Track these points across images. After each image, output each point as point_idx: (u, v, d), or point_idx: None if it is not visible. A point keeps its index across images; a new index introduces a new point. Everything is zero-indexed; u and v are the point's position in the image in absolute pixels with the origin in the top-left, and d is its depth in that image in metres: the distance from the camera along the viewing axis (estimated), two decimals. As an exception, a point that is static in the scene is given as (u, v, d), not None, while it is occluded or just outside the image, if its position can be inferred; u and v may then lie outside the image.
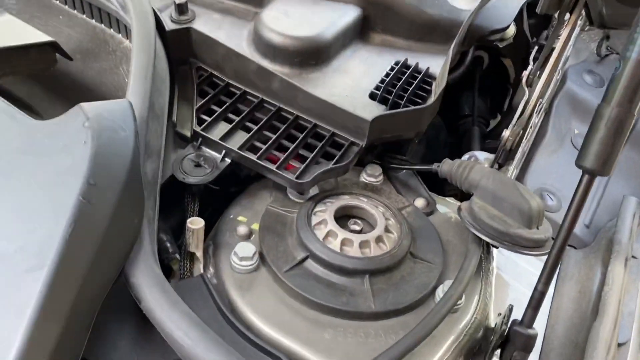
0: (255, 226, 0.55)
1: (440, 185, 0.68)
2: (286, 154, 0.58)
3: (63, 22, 0.70)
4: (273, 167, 0.56)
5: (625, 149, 0.76)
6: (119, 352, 0.45)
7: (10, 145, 0.42)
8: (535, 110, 0.68)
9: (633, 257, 0.65)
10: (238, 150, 0.57)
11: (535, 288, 0.48)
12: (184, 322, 0.40)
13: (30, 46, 0.52)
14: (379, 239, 0.53)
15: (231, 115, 0.61)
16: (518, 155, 0.67)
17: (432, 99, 0.62)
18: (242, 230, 0.55)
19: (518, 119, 0.65)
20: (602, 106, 0.46)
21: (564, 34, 0.62)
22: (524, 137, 0.67)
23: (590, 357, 0.52)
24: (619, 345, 0.56)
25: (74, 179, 0.40)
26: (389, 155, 0.67)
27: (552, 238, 0.60)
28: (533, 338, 0.49)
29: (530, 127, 0.68)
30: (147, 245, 0.44)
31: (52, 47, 0.54)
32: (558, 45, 0.62)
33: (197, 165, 0.56)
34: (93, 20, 0.68)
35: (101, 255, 0.40)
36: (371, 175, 0.64)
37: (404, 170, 0.66)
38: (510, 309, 0.53)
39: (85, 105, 0.44)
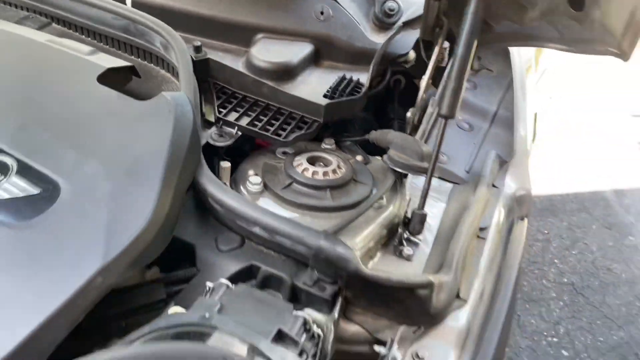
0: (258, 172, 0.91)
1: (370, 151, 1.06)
2: (274, 127, 0.95)
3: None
4: (268, 133, 0.93)
5: (492, 127, 1.16)
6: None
7: (127, 115, 0.78)
8: (430, 104, 1.07)
9: (494, 185, 1.03)
10: (246, 126, 0.93)
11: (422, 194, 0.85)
12: (237, 200, 0.74)
13: (121, 68, 0.87)
14: (334, 171, 0.89)
15: (238, 108, 0.98)
16: (420, 130, 1.05)
17: (361, 94, 1.01)
18: (250, 172, 0.90)
19: (416, 107, 1.04)
20: (446, 80, 0.84)
21: (435, 52, 1.02)
22: (422, 120, 1.06)
23: (459, 232, 0.87)
24: (481, 229, 0.93)
25: (166, 130, 0.75)
26: (338, 134, 1.05)
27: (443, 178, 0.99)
28: (424, 215, 0.85)
29: (428, 114, 1.08)
30: (204, 167, 0.79)
31: (131, 69, 0.90)
32: (432, 60, 1.02)
33: (221, 135, 0.92)
34: (139, 59, 1.05)
35: (183, 170, 0.74)
36: (328, 144, 1.01)
37: (348, 142, 1.03)
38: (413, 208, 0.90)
39: (165, 93, 0.80)
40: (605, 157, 3.09)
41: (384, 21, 1.13)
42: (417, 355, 0.75)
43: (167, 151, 0.71)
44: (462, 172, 1.06)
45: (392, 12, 1.11)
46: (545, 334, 2.16)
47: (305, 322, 0.64)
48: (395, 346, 0.71)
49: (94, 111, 0.77)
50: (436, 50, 1.01)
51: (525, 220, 1.08)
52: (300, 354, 0.60)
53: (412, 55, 1.16)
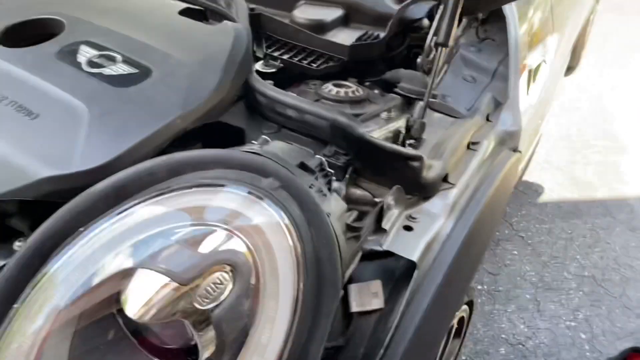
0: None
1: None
2: (308, 61, 1.21)
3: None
4: (304, 63, 1.19)
5: (493, 80, 1.38)
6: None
7: (201, 32, 1.05)
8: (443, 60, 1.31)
9: (488, 120, 1.25)
10: (287, 59, 1.20)
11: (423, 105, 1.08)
12: (276, 91, 0.99)
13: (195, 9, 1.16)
14: (353, 92, 1.14)
15: (282, 49, 1.25)
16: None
17: (380, 40, 1.26)
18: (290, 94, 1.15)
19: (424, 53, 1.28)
20: (442, 15, 1.08)
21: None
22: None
23: (452, 135, 1.09)
24: (473, 143, 1.14)
25: (228, 42, 1.01)
26: (361, 77, 1.30)
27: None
28: (423, 123, 1.08)
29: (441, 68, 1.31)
30: (254, 73, 1.04)
31: (202, 12, 1.18)
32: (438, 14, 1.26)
33: (267, 65, 1.19)
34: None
35: (239, 69, 0.99)
36: (351, 82, 1.26)
37: (368, 83, 1.28)
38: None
39: (227, 22, 1.07)
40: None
41: (403, -6, 1.39)
42: (411, 216, 0.97)
43: (228, 53, 0.98)
44: (464, 111, 1.28)
45: (409, -14, 1.37)
46: (564, 318, 2.28)
47: (321, 163, 0.88)
48: (389, 196, 0.92)
49: (176, 28, 1.05)
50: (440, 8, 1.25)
51: (518, 153, 1.28)
52: (316, 179, 0.84)
53: (425, 22, 1.40)
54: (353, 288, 0.92)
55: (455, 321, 1.36)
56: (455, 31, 1.07)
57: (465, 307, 1.41)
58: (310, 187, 0.80)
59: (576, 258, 2.57)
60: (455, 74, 1.36)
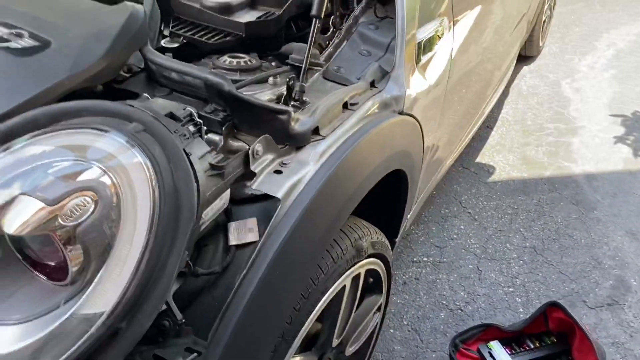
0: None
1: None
2: (208, 37, 1.36)
3: None
4: (202, 38, 1.34)
5: (386, 54, 1.52)
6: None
7: (103, 11, 1.21)
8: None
9: (374, 86, 1.39)
10: (189, 35, 1.35)
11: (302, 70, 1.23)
12: (163, 58, 1.14)
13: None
14: (245, 62, 1.29)
15: (186, 28, 1.40)
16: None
17: (273, 17, 1.41)
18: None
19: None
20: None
21: None
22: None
23: (329, 96, 1.24)
24: (352, 104, 1.29)
25: (123, 17, 1.17)
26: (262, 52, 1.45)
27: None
28: (302, 86, 1.22)
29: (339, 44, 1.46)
30: (149, 45, 1.19)
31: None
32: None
33: (171, 42, 1.34)
34: None
35: (130, 41, 1.15)
36: (252, 56, 1.41)
37: (270, 57, 1.43)
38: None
39: (127, 2, 1.23)
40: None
41: (305, -23, 1.54)
42: (282, 163, 1.12)
43: (119, 27, 1.13)
44: (354, 80, 1.43)
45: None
46: (502, 285, 2.42)
47: (190, 114, 1.03)
48: (257, 144, 1.07)
49: (80, 8, 1.21)
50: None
51: (405, 116, 1.43)
52: (183, 126, 0.99)
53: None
54: (232, 225, 1.07)
55: (363, 272, 1.49)
56: (326, 4, 1.23)
57: (375, 260, 1.55)
58: (175, 132, 0.95)
59: (520, 231, 2.71)
60: (352, 49, 1.51)
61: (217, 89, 1.06)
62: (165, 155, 0.90)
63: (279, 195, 1.05)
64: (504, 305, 2.32)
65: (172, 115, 0.99)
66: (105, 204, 0.86)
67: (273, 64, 1.37)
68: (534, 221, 2.76)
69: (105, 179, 0.86)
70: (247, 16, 1.48)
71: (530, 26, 3.57)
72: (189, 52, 1.36)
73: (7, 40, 1.10)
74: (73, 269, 0.85)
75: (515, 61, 3.32)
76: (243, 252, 1.06)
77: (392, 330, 2.20)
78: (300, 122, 1.12)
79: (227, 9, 1.45)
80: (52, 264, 0.90)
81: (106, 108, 0.92)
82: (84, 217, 0.84)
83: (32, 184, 0.84)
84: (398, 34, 1.43)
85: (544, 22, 4.02)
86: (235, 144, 1.12)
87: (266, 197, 1.08)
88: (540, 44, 4.19)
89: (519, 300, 2.35)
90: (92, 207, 0.85)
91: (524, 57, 4.12)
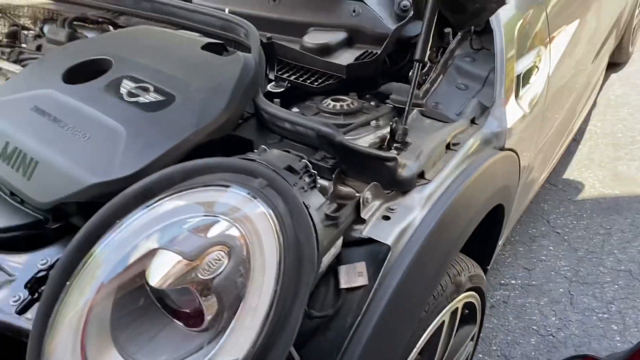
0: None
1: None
2: (310, 80, 1.42)
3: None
4: (306, 82, 1.40)
5: (484, 88, 1.53)
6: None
7: (216, 62, 1.29)
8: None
9: (475, 123, 1.40)
10: (293, 79, 1.41)
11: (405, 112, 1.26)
12: (275, 108, 1.21)
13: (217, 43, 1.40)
14: (348, 105, 1.33)
15: (290, 71, 1.46)
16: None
17: (373, 59, 1.45)
18: (294, 109, 1.36)
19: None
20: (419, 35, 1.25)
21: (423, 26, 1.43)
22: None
23: (432, 137, 1.26)
24: (454, 144, 1.31)
25: (236, 70, 1.24)
26: (362, 91, 1.49)
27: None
28: (406, 129, 1.25)
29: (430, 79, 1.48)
30: (261, 95, 1.26)
31: (223, 45, 1.43)
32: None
33: (276, 86, 1.40)
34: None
35: (244, 93, 1.21)
36: (351, 96, 1.45)
37: (368, 95, 1.46)
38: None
39: (239, 52, 1.30)
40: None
41: (400, 15, 1.57)
42: (389, 208, 1.15)
43: (235, 80, 1.21)
44: (453, 116, 1.44)
45: (405, 8, 1.55)
46: (596, 311, 2.34)
47: (306, 165, 1.08)
48: (367, 191, 1.11)
49: (197, 61, 1.30)
50: (422, 26, 1.42)
51: (507, 152, 1.43)
52: (300, 178, 1.04)
53: (421, 38, 1.58)
54: (342, 268, 1.12)
55: (460, 305, 1.51)
56: (429, 46, 1.25)
57: (472, 293, 1.56)
58: (293, 185, 1.01)
59: (613, 253, 2.60)
60: (449, 83, 1.52)
61: (328, 139, 1.11)
62: (288, 209, 0.96)
63: (389, 242, 1.08)
64: (598, 333, 2.24)
65: (290, 168, 1.04)
66: (237, 257, 0.92)
67: (372, 103, 1.41)
68: (629, 242, 2.64)
69: (235, 232, 0.93)
70: (346, 55, 1.52)
71: (620, 33, 3.42)
72: (292, 95, 1.42)
73: (136, 95, 1.20)
74: (208, 317, 0.92)
75: (605, 70, 3.19)
76: (353, 296, 1.10)
77: (480, 355, 2.19)
78: (406, 168, 1.15)
79: (327, 50, 1.51)
80: (188, 311, 0.98)
81: (233, 165, 0.99)
82: (219, 271, 0.91)
83: (171, 239, 0.92)
84: (497, 68, 1.43)
85: (635, 27, 3.84)
86: (344, 189, 1.17)
87: (373, 240, 1.11)
88: (630, 50, 4.00)
89: (615, 328, 2.26)
90: (226, 260, 0.92)
91: (612, 64, 3.94)
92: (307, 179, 1.07)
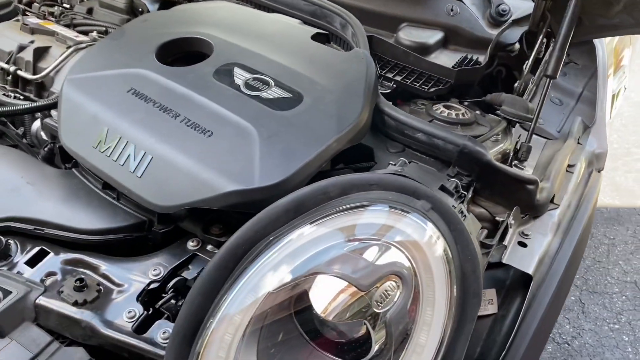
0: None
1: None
2: (419, 83, 1.32)
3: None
4: (416, 85, 1.30)
5: (578, 104, 1.49)
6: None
7: (337, 59, 1.17)
8: (530, 82, 1.42)
9: (578, 142, 1.36)
10: (400, 80, 1.31)
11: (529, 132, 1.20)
12: (407, 116, 1.11)
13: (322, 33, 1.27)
14: (463, 114, 1.25)
15: (393, 70, 1.36)
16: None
17: (482, 64, 1.37)
18: (402, 113, 1.27)
19: (522, 80, 1.39)
20: (552, 51, 1.19)
21: (538, 41, 1.37)
22: (525, 94, 1.41)
23: (556, 160, 1.21)
24: (570, 166, 1.26)
25: (363, 68, 1.13)
26: (460, 97, 1.41)
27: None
28: (530, 147, 1.19)
29: (528, 90, 1.42)
30: (381, 97, 1.15)
31: (327, 36, 1.30)
32: (536, 46, 1.37)
33: (381, 86, 1.30)
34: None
35: (373, 93, 1.11)
36: (453, 102, 1.37)
37: (467, 103, 1.39)
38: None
39: (357, 49, 1.19)
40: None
41: (497, 19, 1.49)
42: (523, 233, 1.09)
43: (365, 80, 1.10)
44: (554, 132, 1.39)
45: (504, 13, 1.48)
46: (607, 321, 2.40)
47: (457, 185, 1.00)
48: (511, 216, 1.05)
49: (314, 54, 1.18)
50: (539, 39, 1.36)
51: (601, 173, 1.40)
52: (455, 201, 0.96)
53: (517, 46, 1.51)
54: (471, 295, 1.05)
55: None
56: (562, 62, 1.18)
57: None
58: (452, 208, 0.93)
59: (619, 263, 2.68)
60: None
61: (474, 157, 1.03)
62: (453, 237, 0.88)
63: (530, 270, 1.02)
64: (611, 344, 2.31)
65: (443, 188, 0.96)
66: (408, 289, 0.84)
67: (478, 112, 1.34)
68: (632, 254, 2.73)
69: (405, 261, 0.84)
70: (442, 57, 1.44)
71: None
72: (393, 96, 1.33)
73: (255, 89, 1.07)
74: (375, 348, 0.84)
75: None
76: (482, 323, 1.05)
77: (502, 361, 2.20)
78: (544, 191, 1.10)
79: (425, 50, 1.42)
80: (339, 341, 0.88)
81: (394, 183, 0.89)
82: (392, 304, 0.82)
83: (339, 264, 0.82)
84: (600, 86, 1.39)
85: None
86: (476, 209, 1.10)
87: (499, 265, 1.06)
88: (623, 62, 4.11)
89: (627, 339, 2.33)
90: (398, 292, 0.84)
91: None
92: (458, 201, 0.99)
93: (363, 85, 1.08)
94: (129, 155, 0.99)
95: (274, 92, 1.07)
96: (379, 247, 0.84)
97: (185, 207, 0.94)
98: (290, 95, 1.06)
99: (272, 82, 1.09)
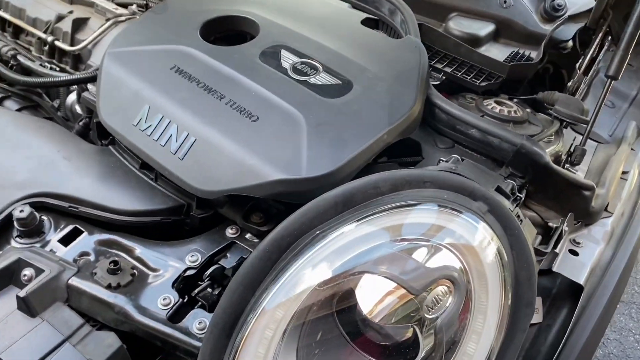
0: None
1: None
2: (470, 76, 1.26)
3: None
4: (467, 78, 1.24)
5: (631, 107, 1.42)
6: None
7: (389, 45, 1.11)
8: (583, 82, 1.36)
9: (632, 148, 1.29)
10: (451, 72, 1.25)
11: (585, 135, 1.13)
12: (461, 110, 1.05)
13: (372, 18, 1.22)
14: (515, 111, 1.18)
15: (442, 61, 1.30)
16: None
17: (536, 61, 1.31)
18: (450, 107, 1.22)
19: (575, 79, 1.32)
20: (616, 50, 1.12)
21: (597, 39, 1.30)
22: (576, 94, 1.35)
23: (610, 166, 1.15)
24: (624, 172, 1.20)
25: (416, 57, 1.07)
26: (509, 93, 1.35)
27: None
28: (584, 150, 1.13)
29: (580, 91, 1.36)
30: (432, 88, 1.10)
31: (376, 21, 1.24)
32: (594, 44, 1.30)
33: (430, 77, 1.25)
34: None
35: (425, 84, 1.05)
36: (503, 98, 1.31)
37: (516, 100, 1.33)
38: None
39: (409, 36, 1.13)
40: None
41: (551, 14, 1.42)
42: (575, 240, 1.04)
43: (418, 69, 1.05)
44: (606, 136, 1.33)
45: (560, 8, 1.41)
46: (633, 332, 2.34)
47: (512, 187, 0.95)
48: (565, 223, 0.99)
49: (364, 40, 1.12)
50: (598, 37, 1.29)
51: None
52: (512, 203, 0.91)
53: (570, 43, 1.44)
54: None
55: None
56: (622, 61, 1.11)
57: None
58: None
59: (647, 273, 2.61)
60: (595, 98, 1.39)
61: (532, 158, 0.98)
62: (509, 242, 0.83)
63: (582, 281, 0.97)
64: (636, 355, 2.25)
65: (499, 190, 0.91)
66: (460, 295, 0.79)
67: (528, 110, 1.28)
68: (662, 264, 2.65)
69: (459, 265, 0.80)
70: (493, 51, 1.38)
71: None
72: (441, 88, 1.27)
73: (303, 73, 1.03)
74: (421, 355, 0.79)
75: None
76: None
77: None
78: (599, 198, 1.04)
79: (476, 41, 1.35)
80: (382, 344, 0.84)
81: (449, 181, 0.84)
82: (443, 310, 0.78)
83: (388, 264, 0.78)
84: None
85: None
86: (528, 213, 1.04)
87: (546, 271, 1.01)
88: None
89: (653, 351, 2.27)
90: (450, 298, 0.79)
91: None
92: (514, 204, 0.94)
93: (416, 75, 1.03)
94: (170, 136, 0.95)
95: (323, 78, 1.02)
96: (429, 248, 0.79)
97: (228, 194, 0.90)
98: (340, 82, 1.01)
99: (320, 68, 1.04)
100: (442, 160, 0.99)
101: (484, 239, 0.81)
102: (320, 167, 0.88)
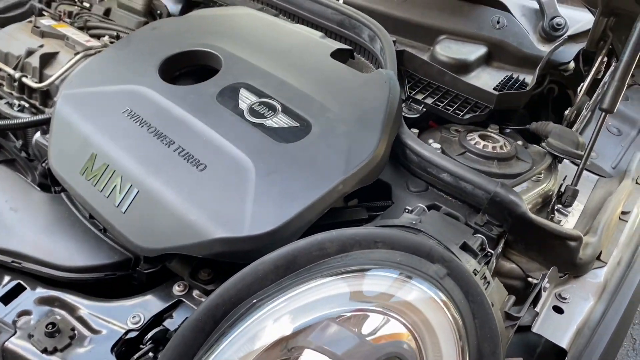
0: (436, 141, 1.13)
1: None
2: (453, 108, 1.17)
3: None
4: (449, 111, 1.15)
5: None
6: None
7: (354, 81, 1.03)
8: (584, 108, 1.24)
9: (637, 182, 1.17)
10: (431, 104, 1.16)
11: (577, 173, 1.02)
12: (432, 152, 0.97)
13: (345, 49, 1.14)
14: (501, 147, 1.09)
15: (424, 91, 1.21)
16: (574, 127, 1.22)
17: (528, 89, 1.20)
18: (430, 141, 1.12)
19: (574, 107, 1.21)
20: (610, 79, 1.01)
21: (597, 62, 1.19)
22: (577, 121, 1.23)
23: (605, 208, 1.04)
24: (624, 212, 1.08)
25: (383, 94, 0.99)
26: (501, 123, 1.24)
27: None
28: (576, 191, 1.02)
29: (582, 117, 1.24)
30: (405, 126, 1.01)
31: (351, 52, 1.17)
32: (593, 68, 1.19)
33: (409, 109, 1.16)
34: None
35: (393, 125, 0.97)
36: (492, 129, 1.21)
37: (509, 130, 1.22)
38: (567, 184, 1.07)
39: (380, 70, 1.05)
40: None
41: (550, 34, 1.31)
42: (560, 295, 0.93)
43: (385, 109, 0.96)
44: (609, 168, 1.21)
45: (559, 27, 1.30)
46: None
47: (482, 242, 0.85)
48: (546, 279, 0.89)
49: (330, 76, 1.05)
50: (598, 60, 1.18)
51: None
52: (479, 262, 0.82)
53: (571, 65, 1.33)
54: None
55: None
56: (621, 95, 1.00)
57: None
58: (474, 273, 0.79)
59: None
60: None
61: (507, 208, 0.88)
62: (471, 310, 0.74)
63: (565, 344, 0.87)
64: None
65: (465, 247, 0.82)
66: (409, 368, 0.71)
67: (519, 142, 1.17)
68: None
69: (412, 343, 0.72)
70: (484, 76, 1.28)
71: None
72: (423, 120, 1.18)
73: (260, 115, 0.96)
74: None
75: None
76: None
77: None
78: (588, 247, 0.93)
79: (464, 67, 1.26)
80: None
81: (405, 241, 0.76)
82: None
83: (328, 339, 0.70)
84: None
85: None
86: (507, 265, 0.95)
87: (528, 328, 0.91)
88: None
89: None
90: (399, 377, 0.71)
91: None
92: (483, 262, 0.84)
93: (382, 115, 0.94)
94: (114, 186, 0.90)
95: (280, 120, 0.95)
96: (377, 319, 0.71)
97: (167, 252, 0.84)
98: (298, 124, 0.94)
99: (279, 108, 0.97)
100: (407, 210, 0.91)
101: (437, 308, 0.72)
102: (265, 223, 0.81)
